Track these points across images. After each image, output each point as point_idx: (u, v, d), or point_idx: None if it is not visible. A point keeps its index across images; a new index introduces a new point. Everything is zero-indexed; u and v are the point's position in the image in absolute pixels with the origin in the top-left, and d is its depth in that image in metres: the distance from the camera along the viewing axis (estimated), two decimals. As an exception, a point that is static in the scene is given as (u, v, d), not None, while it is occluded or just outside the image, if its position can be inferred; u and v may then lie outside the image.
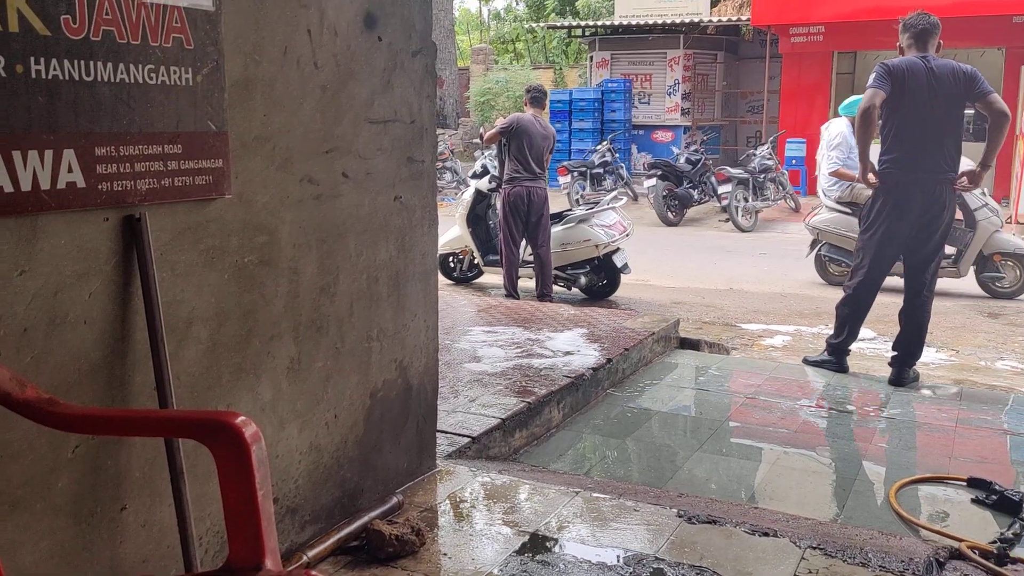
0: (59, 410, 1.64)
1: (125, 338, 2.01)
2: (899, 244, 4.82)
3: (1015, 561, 2.74)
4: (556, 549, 2.71)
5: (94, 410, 1.88)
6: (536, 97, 7.48)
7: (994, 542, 2.88)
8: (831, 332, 5.23)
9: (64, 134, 1.82)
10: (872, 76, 4.74)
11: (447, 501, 3.04)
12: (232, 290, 2.28)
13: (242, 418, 1.53)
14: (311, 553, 2.50)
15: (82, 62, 1.83)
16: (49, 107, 1.78)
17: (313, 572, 1.47)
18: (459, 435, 3.56)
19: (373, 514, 2.74)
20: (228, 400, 2.29)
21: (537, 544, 2.73)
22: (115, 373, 2.00)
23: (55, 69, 1.79)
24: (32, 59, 1.74)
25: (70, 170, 1.84)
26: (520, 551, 2.67)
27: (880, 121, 4.77)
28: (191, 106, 2.09)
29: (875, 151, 4.83)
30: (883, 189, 4.78)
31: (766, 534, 2.81)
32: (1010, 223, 12.68)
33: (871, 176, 4.81)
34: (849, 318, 5.04)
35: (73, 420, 1.67)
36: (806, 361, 5.32)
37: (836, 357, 5.13)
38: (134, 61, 1.94)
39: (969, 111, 5.39)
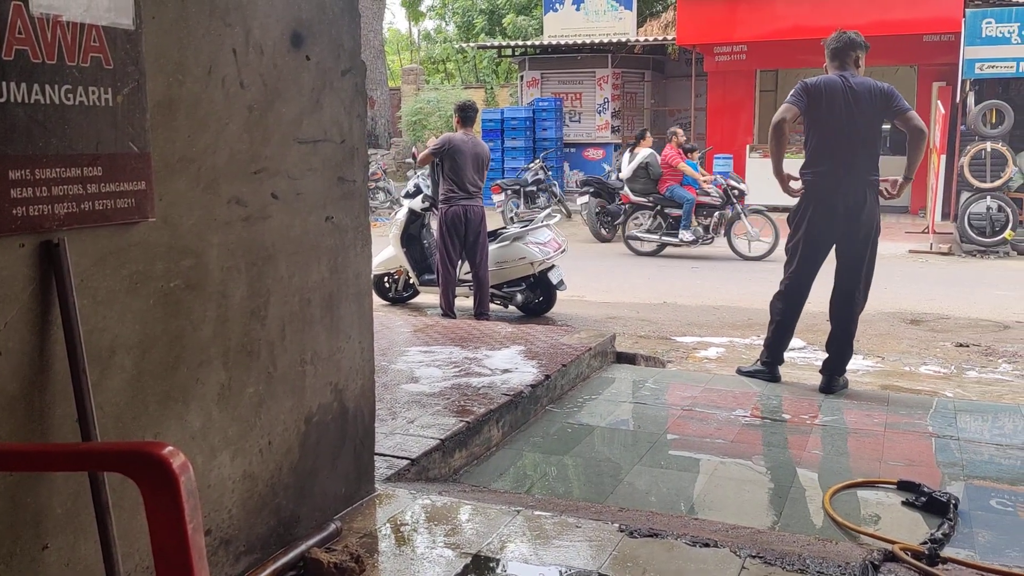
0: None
1: (44, 369, 1.93)
2: (823, 245, 4.96)
3: (945, 561, 2.81)
4: (499, 570, 2.68)
5: (10, 445, 1.79)
6: (466, 115, 7.45)
7: (925, 543, 2.94)
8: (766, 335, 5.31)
9: (-25, 157, 1.74)
10: (790, 93, 4.88)
11: (387, 525, 2.99)
12: (158, 316, 2.21)
13: (169, 448, 1.47)
14: (247, 587, 2.43)
15: (-6, 83, 1.76)
16: (-41, 130, 1.71)
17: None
18: (398, 457, 3.51)
19: (311, 542, 2.67)
20: (156, 430, 2.21)
21: (480, 565, 2.69)
22: (34, 405, 1.91)
23: (-35, 90, 1.72)
24: (-60, 80, 1.67)
25: (-17, 195, 1.76)
26: (462, 573, 2.63)
27: (804, 136, 4.92)
28: (111, 127, 2.02)
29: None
30: (807, 196, 4.91)
31: (707, 545, 2.82)
32: (926, 233, 13.12)
33: (793, 184, 4.95)
34: (780, 313, 5.12)
35: (-10, 456, 1.59)
36: (740, 372, 5.39)
37: (769, 366, 5.22)
38: (50, 81, 1.87)
39: (886, 126, 5.58)
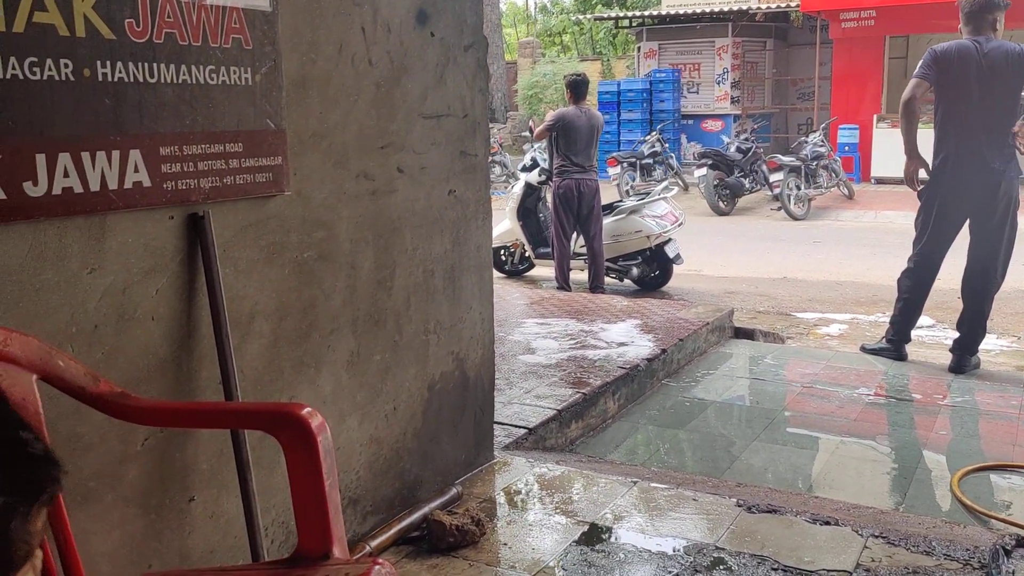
0: (131, 403, 1.69)
1: (191, 333, 2.06)
2: (955, 221, 4.76)
3: (1086, 550, 2.68)
4: (615, 539, 2.71)
5: (165, 403, 1.93)
6: (577, 89, 7.40)
7: (1063, 531, 2.82)
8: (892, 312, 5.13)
9: (130, 135, 1.87)
10: (919, 65, 4.66)
11: (505, 492, 3.06)
12: (292, 285, 2.32)
13: (308, 409, 1.56)
14: (373, 543, 2.54)
15: (146, 64, 1.88)
16: (115, 109, 1.84)
17: (380, 560, 1.49)
18: (516, 426, 3.58)
19: (433, 505, 2.77)
20: (290, 393, 2.34)
21: (596, 534, 2.73)
22: (182, 368, 2.05)
23: (120, 72, 1.84)
24: (98, 63, 1.79)
25: (136, 170, 1.89)
26: (579, 541, 2.68)
27: (933, 106, 4.71)
28: (250, 105, 2.13)
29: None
30: (938, 169, 4.70)
31: (827, 523, 2.78)
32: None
33: (921, 176, 4.75)
34: (908, 290, 4.95)
35: (145, 413, 1.72)
36: (864, 349, 5.24)
37: (895, 344, 5.05)
38: (195, 62, 1.98)
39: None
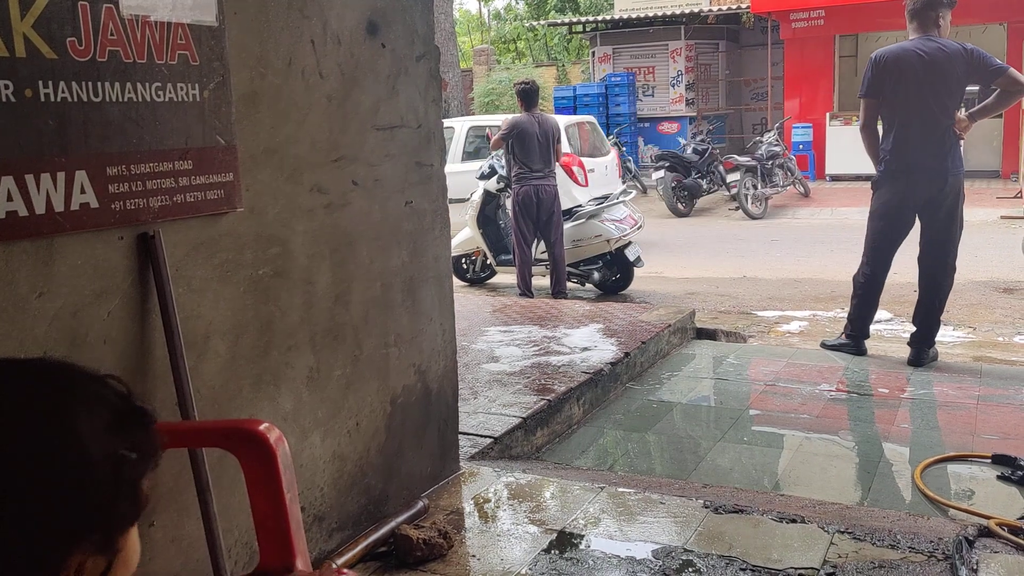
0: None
1: (145, 355, 2.02)
2: (905, 217, 4.85)
3: (1045, 536, 2.73)
4: (584, 545, 2.71)
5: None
6: (527, 96, 7.42)
7: (1022, 517, 2.86)
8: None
9: (75, 156, 1.83)
10: (862, 79, 4.79)
11: (472, 503, 3.05)
12: (248, 303, 2.29)
13: (265, 424, 1.57)
14: (340, 560, 2.51)
15: (90, 83, 1.85)
16: (59, 130, 1.80)
17: (344, 570, 1.49)
18: (481, 436, 3.56)
19: (400, 519, 2.75)
20: (249, 412, 2.30)
21: (565, 541, 2.73)
22: (137, 390, 2.00)
23: (63, 92, 1.80)
24: (40, 83, 1.76)
25: (83, 191, 1.85)
26: (548, 549, 2.67)
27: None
28: (199, 121, 2.10)
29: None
30: (886, 166, 4.79)
31: (793, 520, 2.80)
32: (1018, 198, 12.61)
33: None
34: (863, 286, 5.02)
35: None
36: (824, 345, 5.29)
37: (854, 339, 5.11)
38: (141, 80, 1.95)
39: (975, 88, 5.39)
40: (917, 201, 4.75)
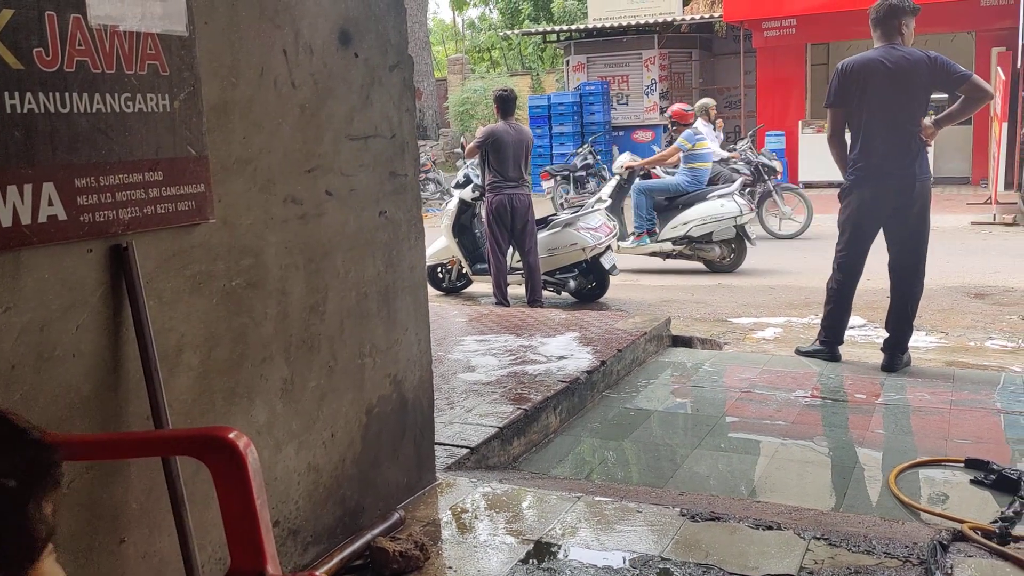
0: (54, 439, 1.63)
1: (116, 369, 2.00)
2: (874, 222, 4.89)
3: (1017, 539, 2.75)
4: (561, 555, 2.70)
5: (88, 436, 1.88)
6: (505, 105, 7.43)
7: (995, 521, 2.89)
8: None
9: (43, 167, 1.80)
10: (829, 88, 4.82)
11: (449, 513, 3.03)
12: (221, 314, 2.26)
13: (234, 432, 1.58)
14: (316, 574, 2.48)
15: (57, 94, 1.82)
16: (26, 141, 1.77)
17: (316, 572, 1.49)
18: (457, 446, 3.55)
19: (376, 531, 2.73)
20: (223, 424, 2.27)
21: (542, 551, 2.72)
22: (108, 405, 1.98)
23: (30, 102, 1.78)
24: (6, 93, 1.73)
25: (50, 203, 1.82)
26: (525, 560, 2.66)
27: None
28: (170, 132, 2.08)
29: None
30: (853, 183, 4.85)
31: (770, 527, 2.80)
32: (988, 204, 12.78)
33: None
34: (835, 292, 5.06)
35: (70, 447, 1.67)
36: (799, 352, 5.33)
37: (828, 345, 5.14)
38: (110, 90, 1.93)
39: (942, 95, 5.47)
40: (886, 208, 4.79)
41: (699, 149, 9.44)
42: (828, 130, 4.97)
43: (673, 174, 9.79)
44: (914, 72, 4.68)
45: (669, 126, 11.19)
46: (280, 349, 2.47)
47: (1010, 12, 13.80)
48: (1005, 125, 12.91)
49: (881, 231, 4.91)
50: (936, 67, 4.69)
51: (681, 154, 9.43)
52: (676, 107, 10.37)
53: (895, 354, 4.93)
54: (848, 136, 4.94)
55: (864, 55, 4.82)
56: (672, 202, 9.32)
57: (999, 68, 13.56)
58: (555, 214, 8.72)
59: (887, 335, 4.99)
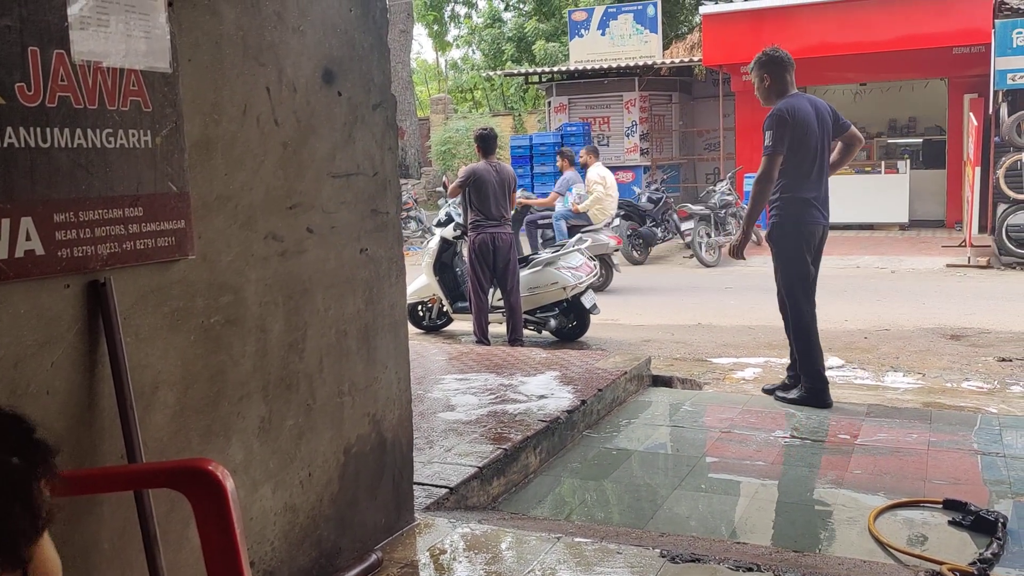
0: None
1: (91, 406, 1.97)
2: (812, 267, 5.06)
3: (997, 582, 2.75)
4: (540, 597, 2.67)
5: (67, 471, 1.84)
6: (486, 144, 7.48)
7: (974, 563, 2.89)
8: (801, 362, 5.16)
9: (21, 202, 1.79)
10: (769, 133, 4.91)
11: (427, 555, 2.99)
12: (199, 352, 2.25)
13: (213, 463, 1.58)
14: (290, 617, 2.44)
15: (38, 129, 1.82)
16: (5, 175, 1.77)
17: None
18: (436, 486, 3.51)
19: (352, 573, 2.69)
20: (199, 464, 2.24)
21: (520, 593, 2.68)
22: (82, 442, 1.95)
23: (10, 137, 1.77)
24: (-13, 128, 1.73)
25: (28, 238, 1.81)
26: (504, 602, 2.63)
27: None
28: (151, 168, 2.07)
29: None
30: (790, 215, 4.96)
31: (750, 569, 2.79)
32: (963, 247, 12.95)
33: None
34: (805, 333, 5.08)
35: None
36: (780, 399, 5.19)
37: (820, 392, 5.02)
38: (91, 126, 1.93)
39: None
40: (815, 244, 5.01)
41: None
42: (764, 174, 4.95)
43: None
44: (826, 116, 5.00)
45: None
46: (258, 387, 2.44)
47: (982, 60, 14.09)
48: (978, 170, 13.12)
49: None
50: (832, 113, 5.06)
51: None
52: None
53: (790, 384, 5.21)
54: (782, 178, 5.00)
55: (794, 100, 5.00)
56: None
57: (971, 114, 13.83)
58: (536, 253, 8.74)
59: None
